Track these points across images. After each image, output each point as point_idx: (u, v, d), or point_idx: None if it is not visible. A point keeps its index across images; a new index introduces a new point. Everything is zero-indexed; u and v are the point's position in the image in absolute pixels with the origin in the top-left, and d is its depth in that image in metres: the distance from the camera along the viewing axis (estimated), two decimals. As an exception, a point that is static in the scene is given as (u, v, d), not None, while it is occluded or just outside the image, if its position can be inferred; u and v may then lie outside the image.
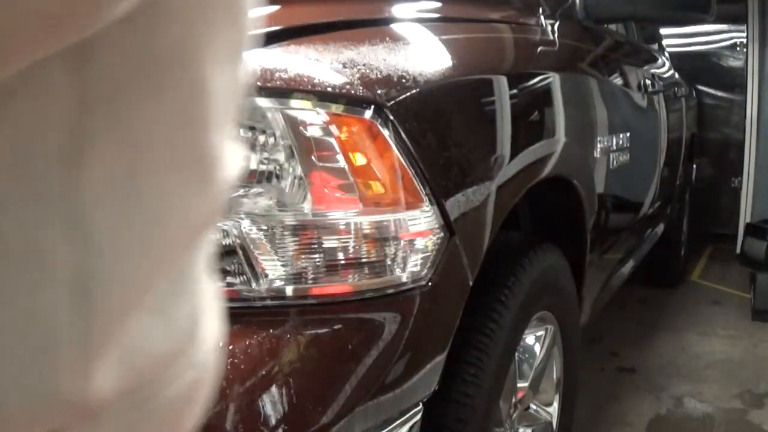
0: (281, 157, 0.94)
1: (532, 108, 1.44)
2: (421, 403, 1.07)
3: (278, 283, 0.93)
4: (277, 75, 0.94)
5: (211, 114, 0.30)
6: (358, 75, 0.99)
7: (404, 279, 1.00)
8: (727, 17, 4.70)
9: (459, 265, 1.10)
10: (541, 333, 1.56)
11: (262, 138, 0.93)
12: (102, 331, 0.27)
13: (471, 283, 1.14)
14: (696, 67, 4.86)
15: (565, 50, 1.81)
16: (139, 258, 0.28)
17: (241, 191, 0.93)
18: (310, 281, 0.94)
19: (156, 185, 0.28)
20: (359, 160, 0.95)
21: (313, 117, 0.94)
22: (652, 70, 2.95)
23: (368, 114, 0.96)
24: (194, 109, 0.29)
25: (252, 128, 0.93)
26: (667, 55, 3.83)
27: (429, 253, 1.02)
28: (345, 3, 1.35)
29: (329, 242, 0.94)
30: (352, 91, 0.96)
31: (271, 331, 0.91)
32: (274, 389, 0.88)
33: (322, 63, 0.99)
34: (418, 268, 1.01)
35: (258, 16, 0.33)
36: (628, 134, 2.17)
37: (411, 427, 1.05)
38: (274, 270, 0.93)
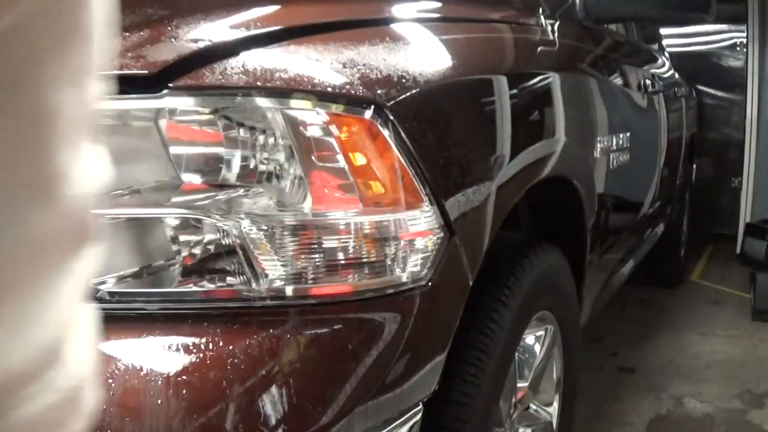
0: (281, 157, 0.94)
1: (532, 108, 1.44)
2: (421, 403, 1.07)
3: (278, 283, 0.93)
4: (277, 75, 0.94)
5: (56, 134, 0.30)
6: (358, 75, 0.99)
7: (404, 279, 1.00)
8: (727, 17, 4.70)
9: (459, 265, 1.10)
10: (541, 333, 1.56)
11: (262, 138, 0.93)
12: None
13: (471, 283, 1.14)
14: (696, 67, 4.86)
15: (565, 50, 1.81)
16: None
17: (241, 191, 0.93)
18: (310, 281, 0.94)
19: None
20: (359, 160, 0.95)
21: (313, 117, 0.94)
22: (652, 70, 2.95)
23: (368, 114, 0.96)
24: (35, 131, 0.29)
25: (252, 128, 0.93)
26: (667, 55, 3.83)
27: (429, 253, 1.02)
28: (345, 3, 1.35)
29: (329, 242, 0.94)
30: (352, 91, 0.96)
31: (271, 331, 0.91)
32: (274, 389, 0.88)
33: (322, 63, 0.99)
34: (418, 268, 1.01)
35: (108, 38, 0.33)
36: (628, 134, 2.17)
37: (411, 427, 1.05)
38: (274, 270, 0.93)
